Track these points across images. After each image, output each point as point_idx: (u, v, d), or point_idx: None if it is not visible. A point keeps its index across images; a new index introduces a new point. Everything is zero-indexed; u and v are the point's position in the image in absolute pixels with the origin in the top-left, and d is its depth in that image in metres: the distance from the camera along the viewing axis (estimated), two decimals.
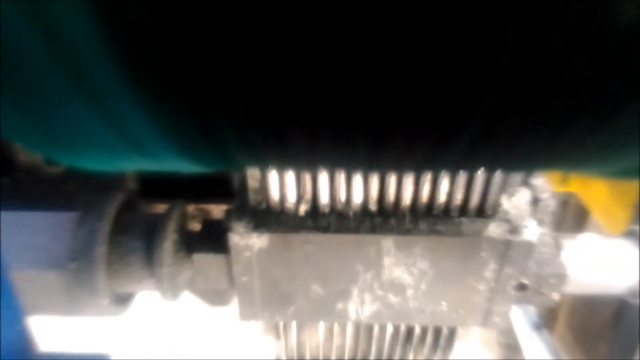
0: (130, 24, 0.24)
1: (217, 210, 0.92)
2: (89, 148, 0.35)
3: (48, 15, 0.24)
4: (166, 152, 0.35)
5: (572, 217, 1.32)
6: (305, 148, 0.33)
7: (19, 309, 0.66)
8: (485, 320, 0.68)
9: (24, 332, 0.68)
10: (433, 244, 0.62)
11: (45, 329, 0.76)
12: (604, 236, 0.77)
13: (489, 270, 0.63)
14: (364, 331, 0.80)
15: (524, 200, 0.66)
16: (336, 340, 0.81)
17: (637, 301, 0.83)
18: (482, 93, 0.27)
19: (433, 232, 0.61)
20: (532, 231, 0.62)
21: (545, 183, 0.71)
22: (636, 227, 0.91)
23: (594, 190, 1.03)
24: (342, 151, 0.35)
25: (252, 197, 0.64)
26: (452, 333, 0.78)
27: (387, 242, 0.62)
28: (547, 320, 1.51)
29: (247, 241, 0.62)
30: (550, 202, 0.70)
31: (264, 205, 0.64)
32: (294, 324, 0.79)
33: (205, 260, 0.68)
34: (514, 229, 0.62)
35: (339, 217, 0.64)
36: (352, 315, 0.69)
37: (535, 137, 0.32)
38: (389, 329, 0.79)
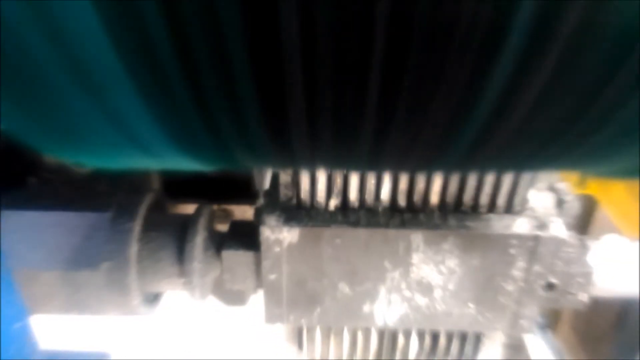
0: (135, 20, 0.24)
1: (239, 210, 0.93)
2: (93, 146, 0.35)
3: (51, 11, 0.24)
4: (169, 150, 0.35)
5: (578, 219, 1.32)
6: (307, 147, 0.34)
7: (20, 307, 0.67)
8: (513, 324, 0.68)
9: (25, 330, 0.69)
10: (462, 240, 0.62)
11: (46, 327, 0.76)
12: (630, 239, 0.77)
13: (518, 269, 0.64)
14: (387, 341, 0.79)
15: (550, 201, 0.67)
16: (360, 353, 0.81)
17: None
18: (482, 93, 0.27)
19: (462, 227, 0.62)
20: (559, 227, 0.63)
21: (568, 186, 0.72)
22: None
23: (613, 193, 1.04)
24: (344, 152, 0.35)
25: (283, 192, 0.65)
26: (477, 341, 0.78)
27: (417, 237, 0.62)
28: (551, 321, 1.53)
29: (278, 235, 0.63)
30: (574, 205, 0.71)
31: (294, 201, 0.65)
32: (317, 332, 0.79)
33: (234, 258, 0.69)
34: (542, 225, 0.63)
35: (368, 213, 0.65)
36: (379, 319, 0.69)
37: (537, 137, 0.32)
38: (413, 340, 0.78)
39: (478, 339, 0.78)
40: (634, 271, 0.70)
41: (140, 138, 0.33)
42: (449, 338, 0.77)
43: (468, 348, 0.78)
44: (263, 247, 0.64)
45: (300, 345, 0.81)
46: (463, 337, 0.77)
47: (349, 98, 0.28)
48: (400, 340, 0.78)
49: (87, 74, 0.27)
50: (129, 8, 0.24)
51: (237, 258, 0.68)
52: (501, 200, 0.63)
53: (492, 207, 0.64)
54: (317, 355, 0.81)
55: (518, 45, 0.24)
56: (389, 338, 0.79)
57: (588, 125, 0.30)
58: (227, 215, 0.90)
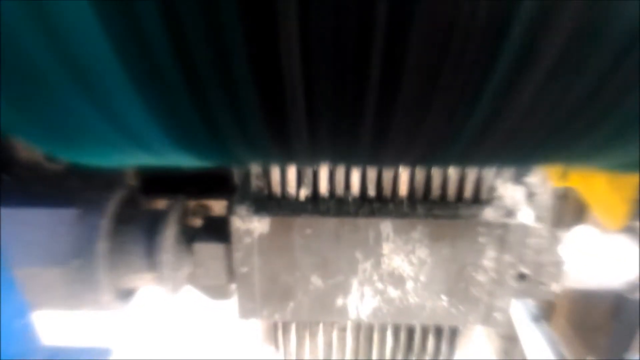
0: (133, 18, 0.24)
1: (218, 206, 0.93)
2: (91, 144, 0.35)
3: (49, 10, 0.24)
4: (168, 147, 0.35)
5: (571, 213, 1.32)
6: (306, 143, 0.34)
7: (22, 304, 0.67)
8: (486, 316, 0.68)
9: (28, 326, 0.69)
10: (431, 228, 0.63)
11: (48, 323, 0.76)
12: (603, 231, 0.77)
13: (488, 259, 0.64)
14: (364, 340, 0.80)
15: (520, 193, 0.67)
16: (336, 352, 0.81)
17: (636, 296, 0.84)
18: (483, 88, 0.27)
19: (430, 215, 0.63)
20: (528, 215, 0.63)
21: (540, 180, 0.72)
22: (636, 223, 0.91)
23: (594, 185, 1.03)
24: (343, 148, 0.35)
25: (255, 183, 0.66)
26: (453, 335, 0.78)
27: (386, 226, 0.63)
28: (545, 312, 1.53)
29: (249, 225, 0.63)
30: (545, 197, 0.71)
31: (265, 192, 0.66)
32: (293, 332, 0.79)
33: (206, 250, 0.69)
34: (510, 213, 0.63)
35: (338, 202, 0.65)
36: (352, 312, 0.69)
37: (535, 133, 0.32)
38: (389, 336, 0.79)
39: (454, 334, 0.78)
40: (608, 264, 0.70)
41: (139, 135, 0.33)
42: (425, 334, 0.77)
43: (444, 345, 0.78)
44: (234, 238, 0.64)
45: (276, 345, 0.81)
46: (438, 334, 0.77)
47: (348, 92, 0.28)
48: (376, 338, 0.78)
49: (85, 72, 0.27)
50: (126, 6, 0.24)
51: (208, 251, 0.68)
52: (468, 190, 0.64)
53: (459, 197, 0.65)
54: (293, 355, 0.81)
55: (519, 40, 0.24)
56: (365, 336, 0.79)
57: (589, 120, 0.30)
58: (205, 210, 0.89)
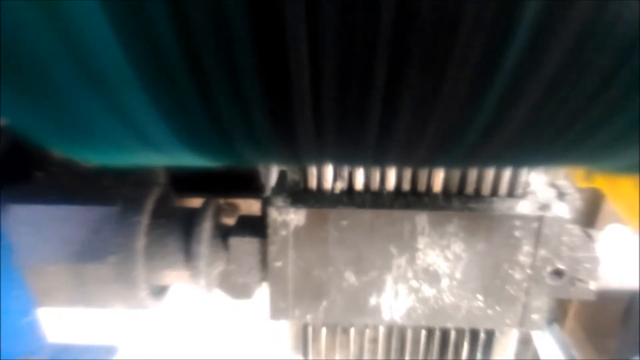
0: (142, 16, 0.24)
1: (245, 204, 0.93)
2: (100, 142, 0.36)
3: (58, 8, 0.24)
4: (176, 146, 0.35)
5: (584, 214, 1.32)
6: (313, 143, 0.34)
7: (28, 301, 0.68)
8: (523, 318, 0.67)
9: (33, 324, 0.69)
10: (466, 222, 0.63)
11: (53, 321, 0.77)
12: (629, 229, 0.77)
13: (524, 254, 0.64)
14: (395, 352, 0.78)
15: (552, 193, 0.68)
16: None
17: None
18: (486, 91, 0.27)
19: (466, 208, 0.63)
20: (562, 208, 0.63)
21: (570, 183, 0.72)
22: None
23: (619, 186, 1.03)
24: (349, 148, 0.36)
25: (291, 177, 0.67)
26: (489, 340, 0.75)
27: (421, 219, 0.63)
28: (557, 315, 1.52)
29: (285, 217, 0.64)
30: (576, 197, 0.71)
31: (301, 185, 0.67)
32: (323, 339, 0.77)
33: (241, 245, 0.69)
34: (545, 207, 0.63)
35: (373, 196, 0.66)
36: (386, 313, 0.69)
37: (540, 134, 0.32)
38: (422, 346, 0.77)
39: (489, 342, 0.76)
40: (635, 264, 0.70)
41: (146, 134, 0.33)
42: (459, 341, 0.76)
43: (480, 353, 0.76)
44: (270, 230, 0.64)
45: (305, 354, 0.79)
46: (474, 340, 0.76)
47: (354, 93, 0.28)
48: (409, 348, 0.76)
49: (94, 71, 0.28)
50: (135, 5, 0.24)
51: (243, 245, 0.68)
52: (503, 185, 0.64)
53: (494, 191, 0.65)
54: None
55: (524, 41, 0.24)
56: (396, 348, 0.77)
57: (593, 121, 0.30)
58: (233, 209, 0.90)
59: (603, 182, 1.06)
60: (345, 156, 0.39)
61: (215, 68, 0.27)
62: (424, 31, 0.24)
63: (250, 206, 0.93)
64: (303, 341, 0.79)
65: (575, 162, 0.40)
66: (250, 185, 0.91)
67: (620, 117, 0.30)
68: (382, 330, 0.76)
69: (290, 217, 0.64)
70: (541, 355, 1.42)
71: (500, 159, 0.40)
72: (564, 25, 0.24)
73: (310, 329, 0.77)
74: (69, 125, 0.34)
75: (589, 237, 0.68)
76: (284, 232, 0.65)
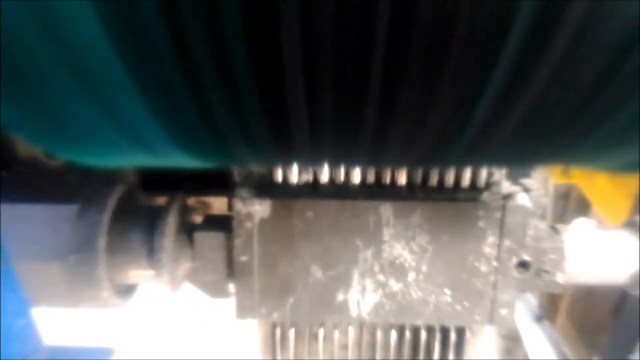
0: (134, 17, 0.24)
1: (217, 202, 0.92)
2: (93, 144, 0.35)
3: (50, 10, 0.24)
4: (170, 148, 0.35)
5: (573, 210, 1.32)
6: (308, 143, 0.34)
7: (24, 304, 0.67)
8: (492, 313, 0.67)
9: (29, 326, 0.68)
10: (430, 212, 0.63)
11: (50, 323, 0.76)
12: (604, 226, 0.77)
13: (489, 245, 0.64)
14: (366, 348, 0.77)
15: (516, 186, 0.68)
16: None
17: (637, 292, 0.83)
18: (482, 92, 0.27)
19: (429, 198, 0.64)
20: (525, 198, 0.64)
21: (538, 180, 0.72)
22: (636, 218, 0.91)
23: (595, 181, 1.03)
24: (344, 149, 0.36)
25: (257, 171, 0.67)
26: (460, 338, 0.75)
27: (386, 209, 0.63)
28: (547, 311, 1.52)
29: (250, 208, 0.64)
30: (540, 194, 0.71)
31: (267, 178, 0.67)
32: (292, 341, 0.77)
33: (206, 240, 0.68)
34: (508, 196, 0.64)
35: (338, 188, 0.66)
36: (353, 310, 0.68)
37: (536, 136, 0.32)
38: (393, 347, 0.76)
39: (461, 340, 0.75)
40: (609, 259, 0.69)
41: (140, 136, 0.33)
42: (430, 341, 0.75)
43: (452, 353, 0.75)
44: (235, 223, 0.64)
45: (274, 355, 0.78)
46: (445, 339, 0.75)
47: (350, 94, 0.28)
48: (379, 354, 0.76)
49: (87, 73, 0.27)
50: (128, 8, 0.24)
51: (209, 240, 0.68)
52: (466, 177, 0.65)
53: (457, 184, 0.65)
54: None
55: (520, 41, 0.24)
56: (367, 353, 0.76)
57: (590, 120, 0.30)
58: (205, 207, 0.89)
59: (579, 177, 1.06)
60: (341, 157, 0.39)
61: (209, 69, 0.27)
62: (420, 32, 0.24)
63: (223, 204, 0.92)
64: (271, 343, 0.78)
65: (575, 161, 0.40)
66: (222, 183, 0.91)
67: (619, 115, 0.30)
68: (351, 335, 0.75)
69: (255, 209, 0.64)
70: (532, 354, 1.42)
71: (496, 159, 0.40)
72: (561, 25, 0.24)
73: (278, 333, 0.76)
74: (63, 127, 0.33)
75: (554, 230, 0.68)
76: (249, 225, 0.64)
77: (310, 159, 0.38)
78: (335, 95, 0.28)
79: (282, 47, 0.25)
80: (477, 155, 0.35)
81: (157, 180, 0.88)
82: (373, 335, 0.76)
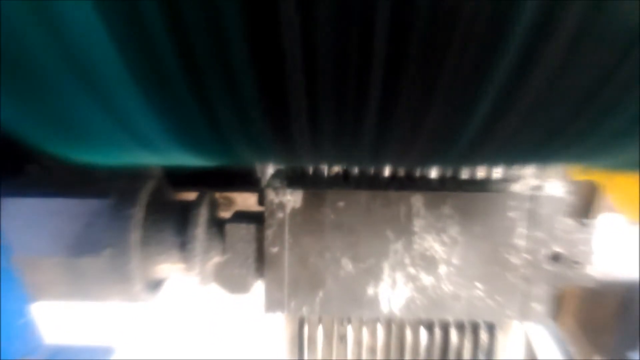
0: (135, 15, 0.24)
1: (241, 198, 0.93)
2: (94, 143, 0.36)
3: (52, 9, 0.24)
4: (171, 146, 0.35)
5: (580, 208, 1.32)
6: (309, 142, 0.34)
7: (24, 301, 0.67)
8: (525, 308, 0.66)
9: (30, 325, 0.69)
10: (460, 202, 0.63)
11: (50, 321, 0.76)
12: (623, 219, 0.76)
13: (520, 237, 0.64)
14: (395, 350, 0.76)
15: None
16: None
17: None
18: (482, 90, 0.27)
19: (460, 189, 0.64)
20: (555, 188, 0.63)
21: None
22: None
23: (616, 177, 1.03)
24: (345, 148, 0.36)
25: None
26: (492, 339, 0.73)
27: (417, 200, 0.64)
28: (554, 311, 1.52)
29: (282, 198, 0.64)
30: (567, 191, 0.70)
31: (299, 169, 0.68)
32: (320, 342, 0.76)
33: (237, 231, 0.68)
34: (538, 187, 0.64)
35: (369, 179, 0.67)
36: (384, 304, 0.68)
37: (537, 134, 0.32)
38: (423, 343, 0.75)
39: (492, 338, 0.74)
40: (631, 253, 0.69)
41: (142, 134, 0.33)
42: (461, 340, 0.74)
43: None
44: (267, 213, 0.64)
45: (301, 355, 0.77)
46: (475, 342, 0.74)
47: (350, 92, 0.28)
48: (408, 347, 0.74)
49: (87, 71, 0.27)
50: (128, 4, 0.24)
51: (239, 232, 0.68)
52: (497, 171, 0.65)
53: (488, 177, 0.66)
54: None
55: (521, 40, 0.24)
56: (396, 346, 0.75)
57: (591, 119, 0.30)
58: (229, 202, 0.90)
59: (600, 174, 1.06)
60: (342, 156, 0.39)
61: (210, 67, 0.27)
62: (420, 30, 0.24)
63: (246, 200, 0.92)
64: (298, 341, 0.77)
65: (575, 160, 0.40)
66: (246, 179, 0.91)
67: (619, 114, 0.30)
68: (380, 336, 0.74)
69: (287, 199, 0.64)
70: (538, 352, 1.42)
71: (497, 158, 0.40)
72: (561, 25, 0.24)
73: (306, 332, 0.75)
74: (64, 126, 0.33)
75: (582, 223, 0.68)
76: (280, 215, 0.65)
77: (311, 157, 0.38)
78: (336, 94, 0.28)
79: (283, 46, 0.25)
80: (478, 154, 0.35)
81: (182, 175, 0.88)
82: (402, 339, 0.75)
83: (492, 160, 0.41)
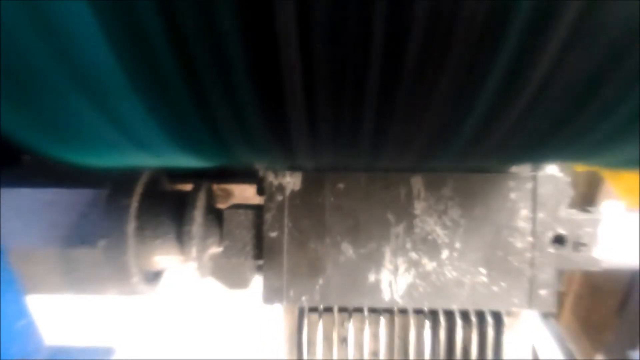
0: (132, 18, 0.24)
1: (238, 190, 0.92)
2: (91, 145, 0.35)
3: (47, 11, 0.24)
4: (168, 148, 0.35)
5: (580, 198, 1.32)
6: (306, 142, 0.34)
7: (24, 303, 0.66)
8: (531, 295, 0.64)
9: (30, 326, 0.68)
10: (461, 183, 0.63)
11: (50, 322, 0.75)
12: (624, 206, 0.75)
13: (523, 219, 0.63)
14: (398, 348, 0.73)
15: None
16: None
17: None
18: (481, 88, 0.27)
19: (459, 169, 0.64)
20: (555, 168, 0.63)
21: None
22: None
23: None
24: (344, 147, 0.36)
25: None
26: (499, 332, 0.71)
27: (417, 182, 0.63)
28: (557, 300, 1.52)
29: (281, 180, 0.64)
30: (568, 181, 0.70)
31: None
32: (319, 340, 0.74)
33: (235, 217, 0.67)
34: (537, 167, 0.64)
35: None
36: (386, 292, 0.66)
37: (535, 132, 0.32)
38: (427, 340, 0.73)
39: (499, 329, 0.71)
40: (631, 241, 0.68)
41: (139, 136, 0.33)
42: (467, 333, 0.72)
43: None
44: (266, 196, 0.64)
45: (300, 354, 0.75)
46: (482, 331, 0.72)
47: (348, 92, 0.28)
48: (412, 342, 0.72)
49: (84, 73, 0.27)
50: (125, 7, 0.24)
51: (238, 217, 0.67)
52: None
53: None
54: None
55: (518, 39, 0.24)
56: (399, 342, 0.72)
57: (590, 118, 0.30)
58: (227, 194, 0.89)
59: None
60: (339, 156, 0.39)
61: (207, 69, 0.27)
62: (417, 31, 0.24)
63: (243, 192, 0.91)
64: (297, 339, 0.75)
65: (572, 159, 0.40)
66: (244, 170, 0.90)
67: (618, 112, 0.29)
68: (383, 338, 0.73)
69: (286, 181, 0.64)
70: (539, 351, 1.41)
71: (494, 157, 0.40)
72: (558, 21, 0.23)
73: (305, 329, 0.73)
74: (62, 130, 0.33)
75: (586, 210, 0.67)
76: (279, 197, 0.64)
77: (309, 157, 0.38)
78: (334, 94, 0.28)
79: (279, 47, 0.25)
80: (477, 152, 0.35)
81: (177, 168, 0.87)
82: (405, 340, 0.73)
83: (489, 158, 0.41)
